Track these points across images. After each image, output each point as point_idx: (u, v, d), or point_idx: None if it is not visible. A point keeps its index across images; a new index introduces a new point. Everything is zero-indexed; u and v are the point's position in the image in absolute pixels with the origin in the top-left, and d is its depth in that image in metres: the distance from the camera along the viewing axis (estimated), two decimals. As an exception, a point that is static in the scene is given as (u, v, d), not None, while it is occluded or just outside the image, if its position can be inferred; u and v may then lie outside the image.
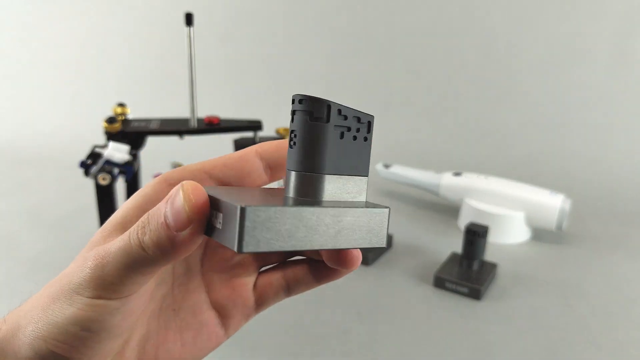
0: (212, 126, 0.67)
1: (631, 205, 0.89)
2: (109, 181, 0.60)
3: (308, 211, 0.19)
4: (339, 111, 0.20)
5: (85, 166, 0.60)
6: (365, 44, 1.25)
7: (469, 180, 0.78)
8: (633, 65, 1.10)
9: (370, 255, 0.64)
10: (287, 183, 0.21)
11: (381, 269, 0.63)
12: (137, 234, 0.19)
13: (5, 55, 1.32)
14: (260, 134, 0.71)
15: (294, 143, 0.20)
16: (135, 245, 0.19)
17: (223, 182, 0.23)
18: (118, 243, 0.19)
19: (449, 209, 0.83)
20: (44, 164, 1.02)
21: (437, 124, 1.19)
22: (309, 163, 0.20)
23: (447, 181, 0.79)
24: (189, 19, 0.63)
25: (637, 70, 1.10)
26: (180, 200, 0.18)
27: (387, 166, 0.87)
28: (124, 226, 0.21)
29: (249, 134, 0.72)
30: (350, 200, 0.22)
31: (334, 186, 0.21)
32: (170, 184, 0.22)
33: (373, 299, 0.57)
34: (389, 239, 0.68)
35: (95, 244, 0.21)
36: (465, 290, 0.57)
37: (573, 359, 0.48)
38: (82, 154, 0.97)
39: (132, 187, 0.69)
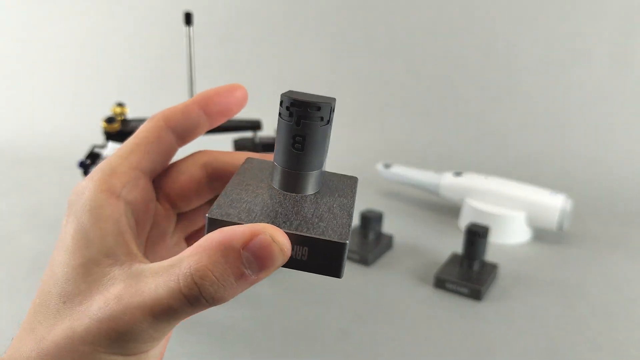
0: (212, 126, 0.67)
1: (631, 205, 0.89)
2: (109, 181, 0.60)
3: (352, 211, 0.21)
4: (332, 106, 0.21)
5: (84, 166, 0.60)
6: (365, 43, 1.25)
7: (470, 180, 0.77)
8: (633, 65, 1.10)
9: (370, 256, 0.64)
10: (279, 179, 0.21)
11: (381, 270, 0.63)
12: (199, 292, 0.17)
13: (5, 55, 1.32)
14: (260, 133, 0.71)
15: (302, 147, 0.20)
16: (195, 300, 0.17)
17: (149, 171, 0.22)
18: (163, 299, 0.17)
19: (449, 209, 0.83)
20: (44, 164, 1.02)
21: (437, 124, 1.19)
22: (315, 164, 0.21)
23: (447, 181, 0.79)
24: (188, 19, 0.63)
25: (637, 70, 1.10)
26: (273, 256, 0.17)
27: (387, 166, 0.87)
28: (108, 252, 0.19)
29: (248, 134, 0.72)
30: (324, 175, 0.23)
31: (319, 172, 0.22)
32: (115, 193, 0.20)
33: (373, 299, 0.57)
34: (389, 239, 0.68)
35: (67, 282, 0.18)
36: (465, 290, 0.57)
37: (573, 359, 0.48)
38: (82, 154, 0.97)
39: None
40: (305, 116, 0.19)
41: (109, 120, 0.63)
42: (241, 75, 1.27)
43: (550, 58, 1.15)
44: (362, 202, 0.85)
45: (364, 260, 0.64)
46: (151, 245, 0.23)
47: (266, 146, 0.69)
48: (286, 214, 0.19)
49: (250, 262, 0.17)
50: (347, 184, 0.23)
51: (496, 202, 0.73)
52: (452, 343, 0.50)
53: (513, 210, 0.72)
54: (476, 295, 0.57)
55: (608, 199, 0.91)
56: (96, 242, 0.19)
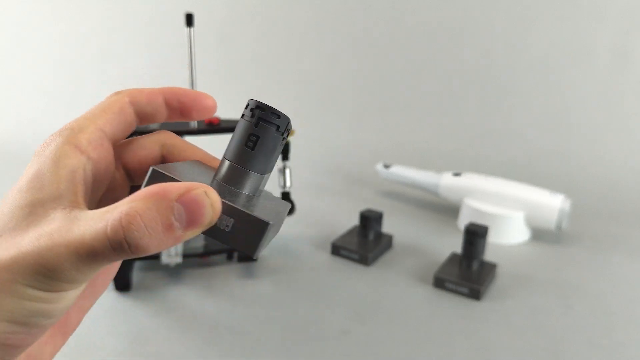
0: (212, 126, 0.67)
1: (631, 205, 0.89)
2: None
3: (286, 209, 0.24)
4: (289, 124, 0.23)
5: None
6: (365, 43, 1.25)
7: (469, 180, 0.78)
8: (633, 65, 1.10)
9: (370, 256, 0.64)
10: (224, 172, 0.23)
11: (381, 269, 0.63)
12: (124, 236, 0.17)
13: (5, 55, 1.32)
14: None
15: (254, 146, 0.22)
16: (118, 245, 0.17)
17: (112, 136, 0.23)
18: (87, 239, 0.17)
19: (449, 209, 0.83)
20: (44, 164, 1.02)
21: (437, 124, 1.19)
22: (260, 166, 0.23)
23: (447, 181, 0.79)
24: (189, 20, 0.63)
25: (637, 70, 1.10)
26: (204, 210, 0.18)
27: (387, 166, 0.87)
28: (57, 196, 0.19)
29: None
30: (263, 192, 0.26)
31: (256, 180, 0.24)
32: (80, 148, 0.21)
33: (373, 299, 0.57)
34: (389, 239, 0.69)
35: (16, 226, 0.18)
36: (465, 290, 0.57)
37: (573, 359, 0.48)
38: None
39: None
40: (265, 120, 0.22)
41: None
42: (241, 75, 1.28)
43: (550, 58, 1.15)
44: (362, 202, 0.85)
45: (364, 260, 0.64)
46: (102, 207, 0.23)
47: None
48: (222, 190, 0.21)
49: (180, 214, 0.18)
50: (280, 204, 0.25)
51: (495, 202, 0.74)
52: (452, 342, 0.50)
53: (512, 210, 0.72)
54: (475, 294, 0.57)
55: (607, 199, 0.91)
56: (48, 186, 0.19)
